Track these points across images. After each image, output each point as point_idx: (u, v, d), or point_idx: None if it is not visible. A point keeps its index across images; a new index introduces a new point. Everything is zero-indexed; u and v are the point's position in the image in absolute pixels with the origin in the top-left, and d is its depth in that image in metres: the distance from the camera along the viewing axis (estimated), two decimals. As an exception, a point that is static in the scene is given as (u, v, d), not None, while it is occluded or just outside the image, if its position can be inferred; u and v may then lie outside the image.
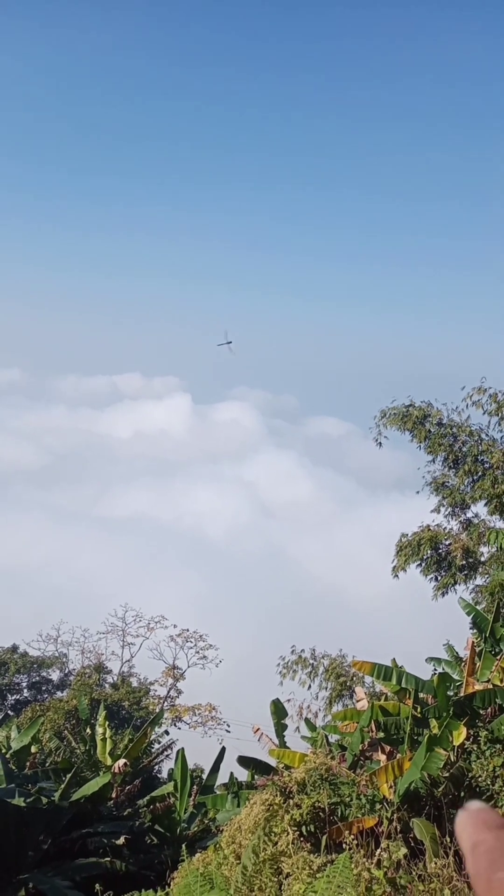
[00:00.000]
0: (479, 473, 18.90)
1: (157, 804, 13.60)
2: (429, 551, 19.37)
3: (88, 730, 16.83)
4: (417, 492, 20.36)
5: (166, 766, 19.24)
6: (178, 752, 14.56)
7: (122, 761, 14.15)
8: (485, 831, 0.65)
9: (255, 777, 13.29)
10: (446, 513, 19.79)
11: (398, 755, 9.49)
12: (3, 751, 15.45)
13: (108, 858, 10.86)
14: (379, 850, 6.79)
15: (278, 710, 13.08)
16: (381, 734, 10.21)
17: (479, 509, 19.52)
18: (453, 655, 13.38)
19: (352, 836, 7.24)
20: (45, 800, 11.53)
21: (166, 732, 22.26)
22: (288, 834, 7.40)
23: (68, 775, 12.21)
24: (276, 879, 6.54)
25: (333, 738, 12.24)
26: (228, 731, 29.37)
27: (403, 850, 6.30)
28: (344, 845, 7.03)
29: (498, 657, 11.46)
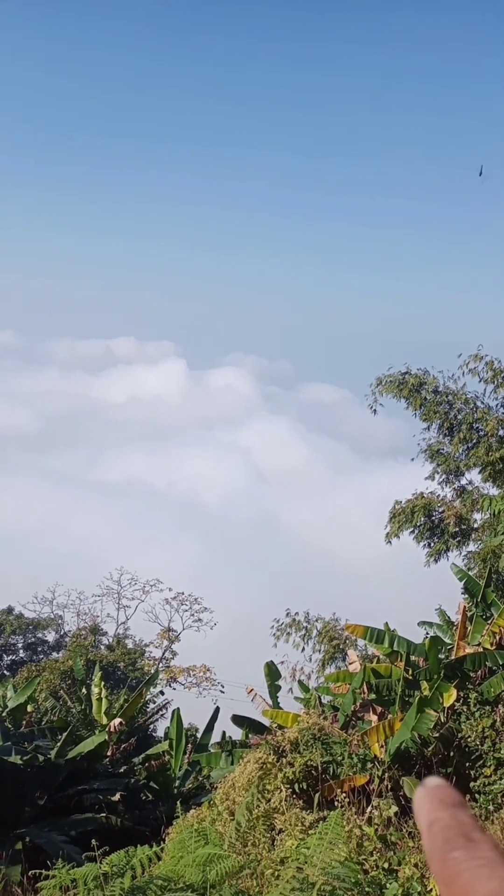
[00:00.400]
0: (474, 441, 18.90)
1: (153, 762, 13.87)
2: (422, 518, 19.47)
3: (84, 690, 17.06)
4: (412, 459, 20.38)
5: (162, 726, 19.60)
6: (173, 711, 14.81)
7: (117, 720, 14.38)
8: (441, 809, 0.62)
9: (249, 736, 13.54)
10: (440, 480, 19.84)
11: (389, 716, 9.66)
12: (0, 710, 15.68)
13: (104, 814, 11.09)
14: (370, 808, 6.94)
15: (272, 672, 13.27)
16: (373, 695, 10.38)
17: (474, 476, 19.58)
18: (445, 620, 13.55)
19: (343, 794, 7.40)
20: (41, 758, 11.73)
21: (161, 693, 22.62)
22: (281, 791, 7.55)
23: (64, 734, 12.40)
24: (269, 835, 6.69)
25: (326, 699, 12.45)
26: (223, 692, 29.92)
27: (394, 808, 6.44)
28: (336, 803, 7.17)
29: (489, 621, 11.60)
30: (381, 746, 8.92)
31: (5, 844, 10.09)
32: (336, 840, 5.41)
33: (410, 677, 10.17)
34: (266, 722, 12.17)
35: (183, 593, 34.79)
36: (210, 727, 15.51)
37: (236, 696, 23.00)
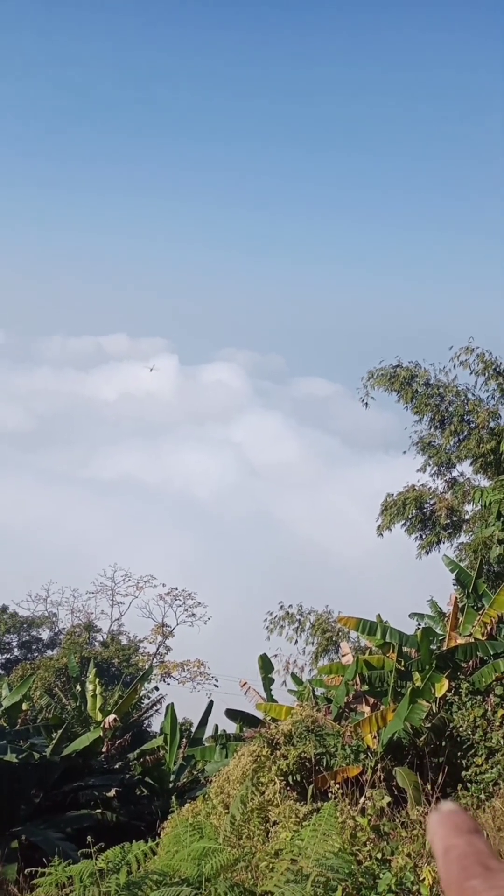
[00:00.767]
0: (465, 433, 18.98)
1: (147, 757, 13.91)
2: (414, 510, 19.55)
3: (78, 687, 17.07)
4: (404, 452, 20.46)
5: (156, 721, 19.65)
6: (167, 706, 14.85)
7: (112, 716, 14.40)
8: (456, 836, 0.62)
9: (243, 729, 13.60)
10: (432, 472, 19.92)
11: (382, 707, 9.73)
12: (-5, 708, 15.66)
13: (100, 810, 11.14)
14: (363, 799, 6.99)
15: (265, 665, 13.31)
16: (366, 687, 10.44)
17: (465, 468, 19.68)
18: (437, 611, 13.63)
19: (337, 785, 7.45)
20: (36, 755, 11.74)
21: (156, 688, 22.63)
22: (275, 784, 7.60)
23: (59, 731, 12.41)
24: (263, 828, 6.73)
25: (319, 691, 12.51)
26: (217, 686, 30.01)
27: (387, 798, 6.49)
28: (329, 794, 7.23)
29: (480, 612, 11.68)
30: (374, 737, 8.98)
31: (1, 843, 10.10)
32: (330, 831, 5.45)
33: (403, 668, 10.24)
34: (260, 715, 12.22)
35: (176, 588, 34.84)
36: (204, 721, 15.57)
37: (230, 690, 23.10)
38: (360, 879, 5.23)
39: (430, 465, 19.85)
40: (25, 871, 7.67)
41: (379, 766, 8.44)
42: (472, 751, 8.59)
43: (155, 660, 32.42)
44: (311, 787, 7.83)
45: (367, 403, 20.04)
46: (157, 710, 17.76)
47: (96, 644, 33.63)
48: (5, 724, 14.00)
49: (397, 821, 6.44)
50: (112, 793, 11.83)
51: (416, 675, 9.86)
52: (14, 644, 36.60)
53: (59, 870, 5.91)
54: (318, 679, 13.04)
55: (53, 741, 12.16)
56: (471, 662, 10.34)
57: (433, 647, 10.60)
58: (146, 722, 19.34)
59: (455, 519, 19.33)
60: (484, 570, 14.65)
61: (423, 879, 5.21)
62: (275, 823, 6.72)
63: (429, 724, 9.09)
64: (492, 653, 10.11)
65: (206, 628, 34.12)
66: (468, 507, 19.23)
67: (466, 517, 19.32)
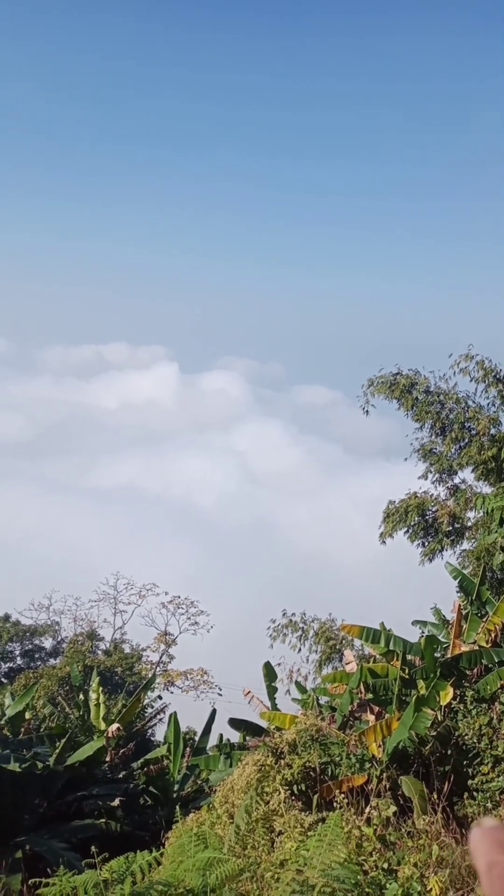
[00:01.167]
0: (466, 440, 19.00)
1: (151, 766, 13.86)
2: (416, 518, 19.55)
3: (82, 696, 17.03)
4: (405, 459, 20.47)
5: (160, 730, 19.58)
6: (170, 715, 14.80)
7: (115, 725, 14.36)
8: (499, 852, 0.63)
9: (247, 738, 13.55)
10: (433, 479, 19.93)
11: (386, 715, 9.70)
12: (-2, 718, 15.62)
13: (104, 820, 11.09)
14: (368, 808, 6.97)
15: (269, 673, 13.28)
16: (370, 695, 10.41)
17: (466, 475, 19.68)
18: (440, 618, 13.60)
19: (342, 795, 7.42)
20: (40, 764, 11.70)
21: (159, 697, 22.60)
22: (279, 793, 7.57)
23: (63, 740, 12.37)
24: (268, 838, 6.70)
25: (323, 699, 12.47)
26: (220, 695, 29.89)
27: (392, 808, 6.47)
28: (334, 803, 7.20)
29: (484, 619, 11.66)
30: (379, 746, 8.95)
31: (5, 853, 10.05)
32: (335, 841, 5.43)
33: (407, 676, 10.21)
34: (264, 724, 12.18)
35: (179, 597, 34.75)
36: (207, 730, 15.51)
37: (233, 699, 23.01)
38: (367, 890, 5.21)
39: (431, 473, 19.85)
40: (30, 882, 7.64)
41: (384, 775, 8.41)
42: (478, 759, 8.56)
43: (158, 668, 32.32)
44: (315, 796, 7.80)
45: (367, 411, 20.07)
46: (160, 720, 17.70)
47: (99, 653, 33.54)
48: (9, 734, 13.96)
49: (403, 830, 6.41)
50: (116, 802, 11.78)
51: (421, 684, 9.84)
52: (17, 653, 36.51)
53: (64, 880, 5.89)
54: (321, 687, 13.00)
55: (57, 750, 12.13)
56: (475, 670, 10.32)
57: (437, 654, 10.57)
58: (149, 731, 19.27)
59: (457, 526, 19.32)
60: (487, 577, 14.62)
61: (430, 889, 5.19)
62: (280, 833, 6.70)
63: (434, 733, 9.06)
64: (496, 660, 10.09)
65: (208, 637, 34.02)
66: (470, 514, 19.23)
67: (469, 524, 19.31)
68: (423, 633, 13.09)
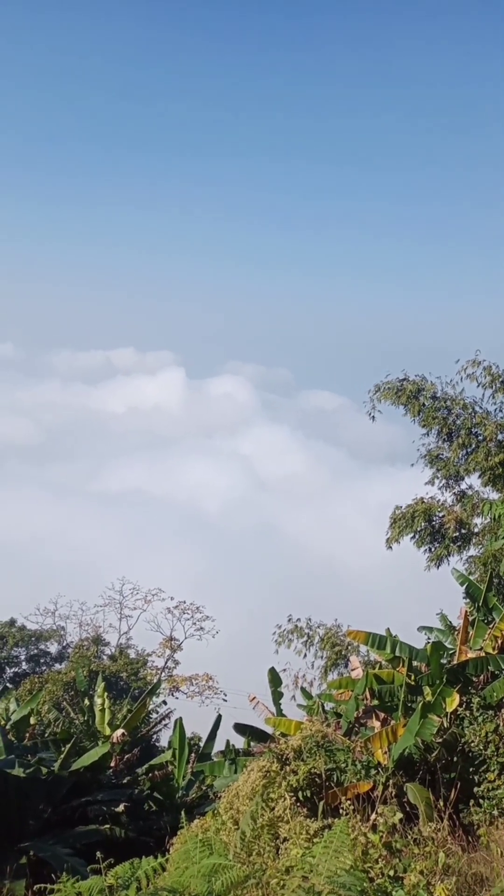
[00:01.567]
0: (473, 446, 18.95)
1: (156, 772, 13.82)
2: (422, 523, 19.49)
3: (87, 701, 17.00)
4: (412, 464, 20.44)
5: (164, 735, 19.54)
6: (175, 721, 14.76)
7: (120, 731, 14.34)
8: None
9: (252, 744, 13.50)
10: (440, 485, 19.89)
11: (392, 722, 9.65)
12: (3, 722, 15.62)
13: (108, 826, 11.05)
14: (374, 815, 6.93)
15: (274, 679, 13.24)
16: (376, 701, 10.36)
17: (473, 481, 19.63)
18: (446, 625, 13.54)
19: (348, 801, 7.38)
20: (44, 770, 11.69)
21: (164, 702, 22.54)
22: (285, 800, 7.53)
23: (67, 745, 12.36)
24: (273, 844, 6.67)
25: (329, 705, 12.42)
26: (225, 701, 29.78)
27: (399, 815, 6.43)
28: (340, 810, 7.16)
29: (491, 626, 11.61)
30: (385, 753, 8.90)
31: (9, 858, 10.03)
32: (341, 848, 5.40)
33: (413, 683, 10.16)
34: (269, 730, 12.14)
35: (185, 602, 34.70)
36: (213, 736, 15.47)
37: (239, 705, 22.94)
38: (373, 897, 5.18)
39: (438, 478, 19.81)
40: (34, 888, 7.61)
41: (390, 781, 8.36)
42: (485, 766, 8.50)
43: (163, 674, 32.26)
44: (321, 803, 7.76)
45: (373, 417, 20.07)
46: (165, 725, 17.66)
47: (104, 658, 33.50)
48: (13, 739, 13.96)
49: (409, 837, 6.37)
50: (121, 808, 11.74)
51: (427, 690, 9.79)
52: (22, 658, 36.52)
53: (69, 886, 5.88)
54: (327, 693, 12.95)
55: (62, 756, 12.11)
56: (482, 677, 10.26)
57: (443, 661, 10.52)
58: (154, 736, 19.23)
59: (464, 532, 19.25)
60: (494, 584, 14.55)
61: (436, 897, 5.15)
62: (285, 840, 6.66)
63: (440, 740, 9.01)
64: (503, 667, 10.03)
65: (214, 642, 33.95)
66: (477, 520, 19.16)
67: (476, 530, 19.24)
68: (429, 639, 13.03)
